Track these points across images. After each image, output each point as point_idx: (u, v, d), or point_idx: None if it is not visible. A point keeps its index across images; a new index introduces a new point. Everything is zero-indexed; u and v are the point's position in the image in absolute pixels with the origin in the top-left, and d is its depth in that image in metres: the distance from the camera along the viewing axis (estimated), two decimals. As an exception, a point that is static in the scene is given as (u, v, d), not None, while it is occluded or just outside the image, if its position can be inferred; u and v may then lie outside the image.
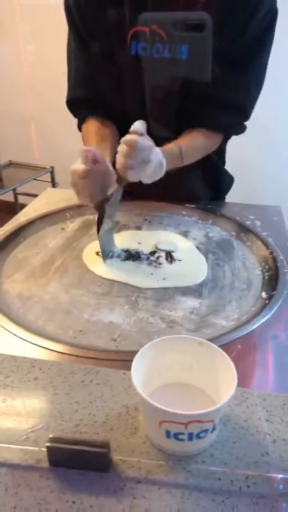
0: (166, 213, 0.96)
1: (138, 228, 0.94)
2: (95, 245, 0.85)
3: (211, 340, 0.52)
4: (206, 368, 0.46)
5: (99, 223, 0.75)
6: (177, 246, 0.85)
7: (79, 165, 0.68)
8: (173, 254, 0.81)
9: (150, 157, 0.70)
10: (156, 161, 0.71)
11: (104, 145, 0.83)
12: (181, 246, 0.85)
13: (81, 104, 0.91)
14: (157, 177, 0.74)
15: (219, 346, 0.46)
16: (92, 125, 0.90)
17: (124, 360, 0.55)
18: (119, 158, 0.70)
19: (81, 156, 0.68)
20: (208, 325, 0.64)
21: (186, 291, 0.72)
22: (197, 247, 0.86)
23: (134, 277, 0.75)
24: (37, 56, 2.17)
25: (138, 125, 0.70)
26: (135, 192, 0.94)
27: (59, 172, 2.08)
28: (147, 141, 0.70)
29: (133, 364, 0.43)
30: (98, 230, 0.76)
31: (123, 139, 0.69)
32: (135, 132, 0.69)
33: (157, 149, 0.72)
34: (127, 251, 0.82)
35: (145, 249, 0.83)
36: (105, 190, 0.72)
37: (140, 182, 0.74)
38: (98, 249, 0.82)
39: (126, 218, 0.96)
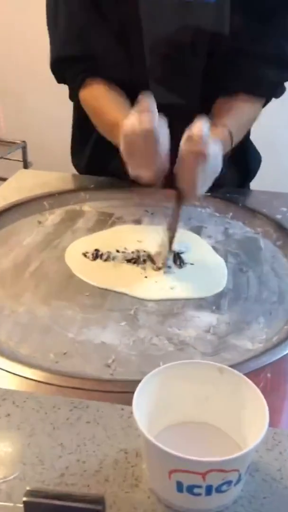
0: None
1: (138, 222, 0.94)
2: (81, 243, 0.86)
3: (233, 366, 0.52)
4: (227, 402, 0.47)
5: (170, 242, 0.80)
6: (188, 246, 0.85)
7: (144, 119, 0.68)
8: (183, 256, 0.82)
9: (219, 160, 0.74)
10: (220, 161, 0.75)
11: None
12: (194, 246, 0.85)
13: (74, 64, 0.92)
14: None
15: (244, 375, 0.46)
16: (98, 90, 0.90)
17: (121, 391, 0.55)
18: (184, 174, 0.73)
19: (142, 110, 0.68)
20: (229, 347, 0.64)
21: (201, 304, 0.72)
22: (214, 247, 0.86)
23: (133, 285, 0.75)
24: None
25: (199, 125, 0.69)
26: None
27: (32, 148, 2.08)
28: (213, 145, 0.72)
29: (135, 396, 0.43)
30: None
31: (185, 148, 0.70)
32: (199, 135, 0.68)
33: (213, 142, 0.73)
34: (124, 251, 0.83)
35: (147, 249, 0.83)
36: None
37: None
38: (86, 248, 0.83)
39: (122, 209, 0.97)
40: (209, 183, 0.76)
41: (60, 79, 0.96)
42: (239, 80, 0.89)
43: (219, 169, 0.76)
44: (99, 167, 1.06)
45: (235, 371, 0.47)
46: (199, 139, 0.69)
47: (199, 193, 0.76)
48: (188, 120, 0.70)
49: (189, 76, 0.90)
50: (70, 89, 0.97)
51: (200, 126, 0.69)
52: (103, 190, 1.02)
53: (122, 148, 0.73)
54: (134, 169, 0.75)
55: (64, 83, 0.97)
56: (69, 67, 0.93)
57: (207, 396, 0.48)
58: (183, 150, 0.71)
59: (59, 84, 0.98)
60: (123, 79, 0.89)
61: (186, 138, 0.70)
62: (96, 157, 1.08)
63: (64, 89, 0.99)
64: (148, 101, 0.69)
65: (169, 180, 0.76)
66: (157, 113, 0.69)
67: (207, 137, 0.69)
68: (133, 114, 0.70)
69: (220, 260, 0.82)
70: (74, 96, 0.95)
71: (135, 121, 0.69)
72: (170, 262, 0.80)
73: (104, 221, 0.94)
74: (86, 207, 0.98)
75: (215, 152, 0.73)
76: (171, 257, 0.81)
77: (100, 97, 0.90)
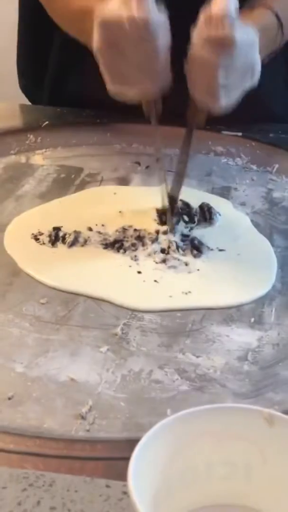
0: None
1: (123, 181, 0.95)
2: (30, 218, 0.86)
3: (286, 413, 0.53)
4: (281, 472, 0.47)
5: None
6: (214, 219, 0.87)
7: (136, 2, 0.71)
8: (204, 238, 0.83)
9: (254, 57, 0.76)
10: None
11: None
12: (221, 221, 0.87)
13: None
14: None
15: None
16: None
17: (105, 458, 0.55)
18: (200, 74, 0.75)
19: None
20: (279, 383, 0.65)
21: (232, 315, 0.73)
22: (252, 221, 0.87)
23: (120, 285, 0.76)
24: None
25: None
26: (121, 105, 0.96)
27: None
28: (245, 30, 0.74)
29: (131, 467, 0.43)
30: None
31: (200, 36, 0.72)
32: (222, 13, 0.70)
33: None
34: (100, 232, 0.83)
35: (140, 226, 0.84)
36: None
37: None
38: (37, 226, 0.83)
39: (97, 160, 0.97)
40: (238, 90, 0.77)
41: None
42: None
43: (256, 69, 0.77)
44: (67, 91, 1.08)
45: None
46: (222, 20, 0.70)
47: (223, 103, 0.76)
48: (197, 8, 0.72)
49: None
50: None
51: (223, 2, 0.71)
52: (66, 129, 1.02)
53: (97, 45, 0.74)
54: (116, 80, 0.76)
55: None
56: None
57: (248, 464, 0.48)
58: (199, 38, 0.72)
59: None
60: None
61: (203, 20, 0.72)
62: (62, 74, 1.09)
63: None
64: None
65: (170, 102, 0.77)
66: None
67: (234, 18, 0.71)
68: None
69: (263, 243, 0.83)
70: None
71: (121, 4, 0.71)
72: (180, 248, 0.81)
73: (68, 180, 0.94)
74: (37, 158, 0.98)
75: (248, 40, 0.75)
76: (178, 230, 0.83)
77: None
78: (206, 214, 0.86)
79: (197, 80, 0.76)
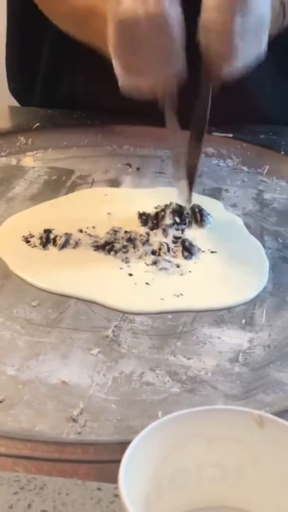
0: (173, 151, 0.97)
1: (114, 182, 0.95)
2: (21, 220, 0.87)
3: (278, 414, 0.52)
4: (271, 473, 0.47)
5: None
6: (206, 220, 0.87)
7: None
8: (196, 239, 0.83)
9: (267, 13, 0.77)
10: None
11: None
12: (212, 222, 0.87)
13: None
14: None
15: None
16: None
17: (96, 461, 0.55)
18: (214, 31, 0.75)
19: None
20: (270, 384, 0.65)
21: (223, 316, 0.73)
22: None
23: (111, 288, 0.76)
24: None
25: None
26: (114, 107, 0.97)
27: None
28: None
29: (122, 469, 0.43)
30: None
31: None
32: None
33: None
34: (91, 234, 0.84)
35: (131, 228, 0.85)
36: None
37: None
38: (28, 228, 0.83)
39: (88, 162, 0.97)
40: (252, 51, 0.78)
41: None
42: None
43: (266, 33, 0.78)
44: (59, 91, 1.08)
45: (285, 423, 0.46)
46: None
47: (239, 60, 0.77)
48: None
49: None
50: None
51: None
52: (57, 131, 1.02)
53: (114, 45, 0.75)
54: (132, 74, 0.76)
55: None
56: None
57: (239, 466, 0.48)
58: None
59: None
60: None
61: None
62: (54, 74, 1.09)
63: None
64: None
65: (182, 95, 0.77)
66: None
67: None
68: None
69: (255, 245, 0.84)
70: None
71: (135, 1, 0.72)
72: (170, 250, 0.81)
73: (59, 182, 0.95)
74: (28, 160, 0.98)
75: None
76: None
77: None
78: (197, 216, 0.86)
79: (212, 33, 0.76)
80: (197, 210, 0.87)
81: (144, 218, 0.86)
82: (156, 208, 0.87)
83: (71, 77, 1.02)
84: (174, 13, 0.74)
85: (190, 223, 0.86)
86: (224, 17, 0.74)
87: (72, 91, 1.05)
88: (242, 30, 0.75)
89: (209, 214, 0.87)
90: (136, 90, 0.77)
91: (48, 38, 1.05)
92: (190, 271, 0.79)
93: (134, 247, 0.82)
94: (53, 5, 0.95)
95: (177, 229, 0.85)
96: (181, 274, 0.79)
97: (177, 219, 0.85)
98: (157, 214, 0.86)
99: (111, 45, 0.75)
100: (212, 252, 0.82)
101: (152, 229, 0.84)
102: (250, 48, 0.78)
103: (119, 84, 0.77)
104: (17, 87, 1.16)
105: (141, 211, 0.86)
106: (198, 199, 0.90)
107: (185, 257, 0.81)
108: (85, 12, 0.84)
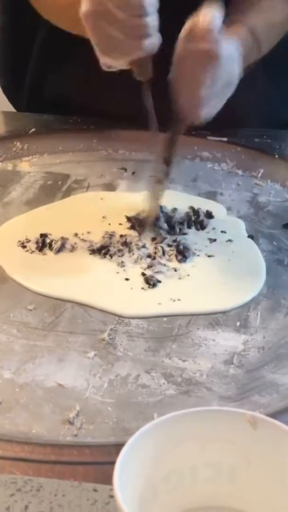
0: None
1: (109, 186, 0.95)
2: (17, 225, 0.87)
3: (272, 415, 0.53)
4: (264, 473, 0.47)
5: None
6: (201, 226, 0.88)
7: None
8: (194, 245, 0.84)
9: (235, 69, 0.78)
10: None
11: None
12: (213, 225, 0.88)
13: None
14: None
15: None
16: None
17: (92, 462, 0.55)
18: (184, 83, 0.77)
19: None
20: (264, 386, 0.65)
21: (218, 319, 0.73)
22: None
23: (106, 292, 0.77)
24: None
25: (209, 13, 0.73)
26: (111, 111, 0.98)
27: None
28: (228, 44, 0.77)
29: (117, 470, 0.43)
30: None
31: (185, 47, 0.74)
32: (206, 27, 0.72)
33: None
34: (85, 239, 0.84)
35: (126, 232, 0.85)
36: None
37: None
38: (24, 232, 0.84)
39: (84, 167, 0.98)
40: (219, 101, 0.79)
41: None
42: None
43: (235, 81, 0.79)
44: (49, 93, 1.09)
45: (277, 423, 0.47)
46: (206, 32, 0.72)
47: (204, 113, 0.79)
48: (188, 12, 0.73)
49: None
50: None
51: (208, 15, 0.72)
52: (52, 136, 1.03)
53: (85, 14, 0.75)
54: (105, 48, 0.77)
55: None
56: None
57: (233, 466, 0.48)
58: (183, 49, 0.74)
59: None
60: None
61: (187, 31, 0.73)
62: (42, 73, 1.10)
63: None
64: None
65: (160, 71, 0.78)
66: None
67: (218, 32, 0.72)
68: None
69: (253, 248, 0.84)
70: None
71: None
72: (166, 253, 0.82)
73: (54, 187, 0.95)
74: (24, 165, 0.99)
75: (230, 54, 0.77)
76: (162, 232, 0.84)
77: None
78: (196, 219, 0.87)
79: (182, 88, 0.78)
80: (196, 213, 0.87)
81: (132, 222, 0.86)
82: (141, 212, 0.87)
83: (60, 77, 1.02)
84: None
85: (190, 226, 0.87)
86: (192, 84, 0.77)
87: (60, 91, 1.04)
88: (211, 89, 0.77)
89: (210, 218, 0.87)
90: (113, 65, 0.78)
91: (39, 37, 1.05)
92: (188, 275, 0.80)
93: (130, 251, 0.82)
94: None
95: (171, 233, 0.85)
96: (180, 278, 0.79)
97: (166, 226, 0.86)
98: (144, 218, 0.86)
99: (83, 14, 0.76)
100: (209, 256, 0.83)
101: (140, 233, 0.85)
102: (216, 102, 0.80)
103: (99, 62, 0.78)
104: (7, 85, 1.16)
105: (129, 215, 0.87)
106: (201, 202, 0.91)
107: (179, 261, 0.81)
108: (69, 1, 0.84)
